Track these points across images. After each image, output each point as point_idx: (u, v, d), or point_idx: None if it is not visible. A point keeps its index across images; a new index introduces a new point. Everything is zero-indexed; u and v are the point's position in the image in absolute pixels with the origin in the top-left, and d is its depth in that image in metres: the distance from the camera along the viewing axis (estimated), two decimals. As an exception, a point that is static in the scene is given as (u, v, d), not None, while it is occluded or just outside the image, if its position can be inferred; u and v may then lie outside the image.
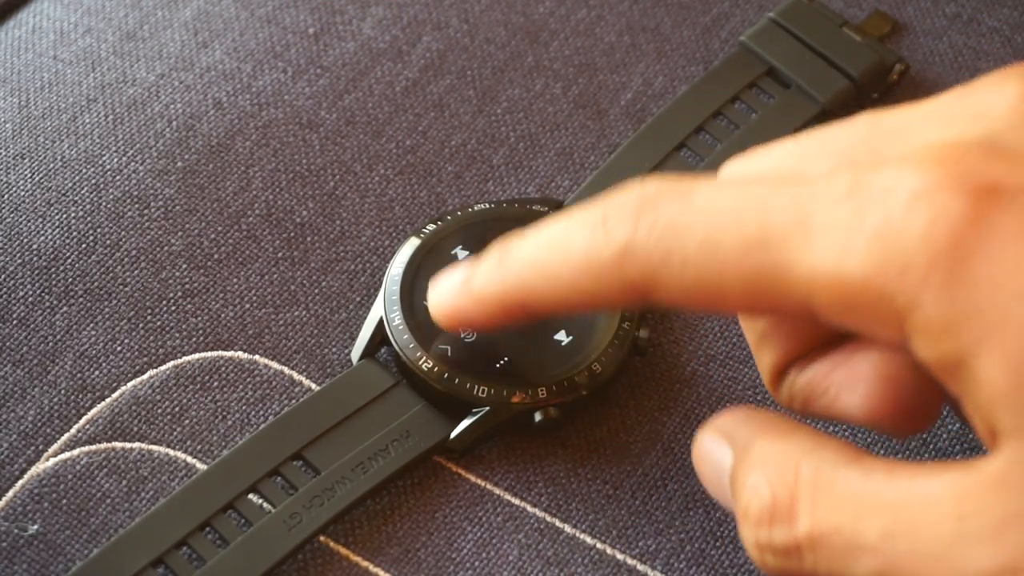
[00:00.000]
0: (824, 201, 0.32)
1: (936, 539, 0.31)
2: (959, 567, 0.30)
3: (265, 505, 0.40)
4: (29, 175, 0.46)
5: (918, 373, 0.35)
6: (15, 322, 0.43)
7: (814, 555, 0.33)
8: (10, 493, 0.41)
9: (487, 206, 0.44)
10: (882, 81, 0.48)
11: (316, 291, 0.44)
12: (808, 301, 0.32)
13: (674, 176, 0.34)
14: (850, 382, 0.36)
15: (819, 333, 0.36)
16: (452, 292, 0.37)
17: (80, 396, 0.42)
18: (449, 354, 0.41)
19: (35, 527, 0.40)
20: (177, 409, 0.42)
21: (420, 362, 0.41)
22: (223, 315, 0.44)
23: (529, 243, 0.36)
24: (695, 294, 0.33)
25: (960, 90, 0.34)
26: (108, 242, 0.45)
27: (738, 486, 0.34)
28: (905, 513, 0.31)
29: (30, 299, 0.44)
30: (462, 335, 0.42)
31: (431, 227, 0.44)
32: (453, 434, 0.41)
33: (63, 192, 0.46)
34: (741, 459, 0.35)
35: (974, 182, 0.31)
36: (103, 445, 0.41)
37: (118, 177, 0.46)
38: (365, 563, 0.40)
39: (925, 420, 0.36)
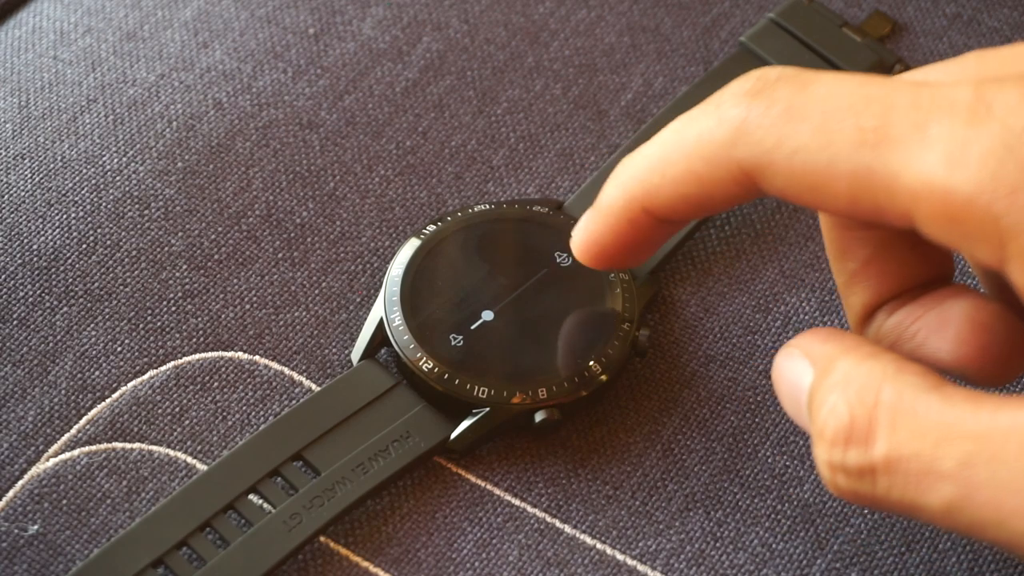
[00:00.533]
0: (944, 109, 0.31)
1: (1017, 470, 0.31)
2: None
3: (265, 505, 0.40)
4: (29, 175, 0.46)
5: (1009, 321, 0.34)
6: (15, 322, 0.43)
7: (889, 479, 0.32)
8: (10, 493, 0.41)
9: (487, 207, 0.44)
10: (882, 82, 0.48)
11: (316, 292, 0.44)
12: (911, 210, 0.32)
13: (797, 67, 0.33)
14: (940, 326, 0.35)
15: (911, 276, 0.36)
16: (583, 219, 0.37)
17: (80, 396, 0.42)
18: (449, 355, 0.41)
19: (35, 527, 0.40)
20: (177, 409, 0.42)
21: (420, 362, 0.41)
22: (223, 316, 0.44)
23: (651, 142, 0.35)
24: (802, 185, 0.33)
25: None
26: (108, 242, 0.45)
27: (816, 404, 0.34)
28: (987, 443, 0.31)
29: (30, 299, 0.44)
30: (451, 340, 0.42)
31: (431, 228, 0.44)
32: (453, 435, 0.41)
33: (63, 192, 0.46)
34: (821, 377, 0.34)
35: None
36: (103, 445, 0.41)
37: (118, 177, 0.46)
38: (365, 563, 0.40)
39: (1013, 370, 0.36)
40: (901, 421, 0.32)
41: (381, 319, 0.42)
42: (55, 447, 0.41)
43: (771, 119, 0.33)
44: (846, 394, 0.33)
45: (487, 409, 0.41)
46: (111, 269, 0.44)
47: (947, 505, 0.32)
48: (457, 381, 0.41)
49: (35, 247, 0.45)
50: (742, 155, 0.33)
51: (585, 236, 0.37)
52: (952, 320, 0.35)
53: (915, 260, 0.36)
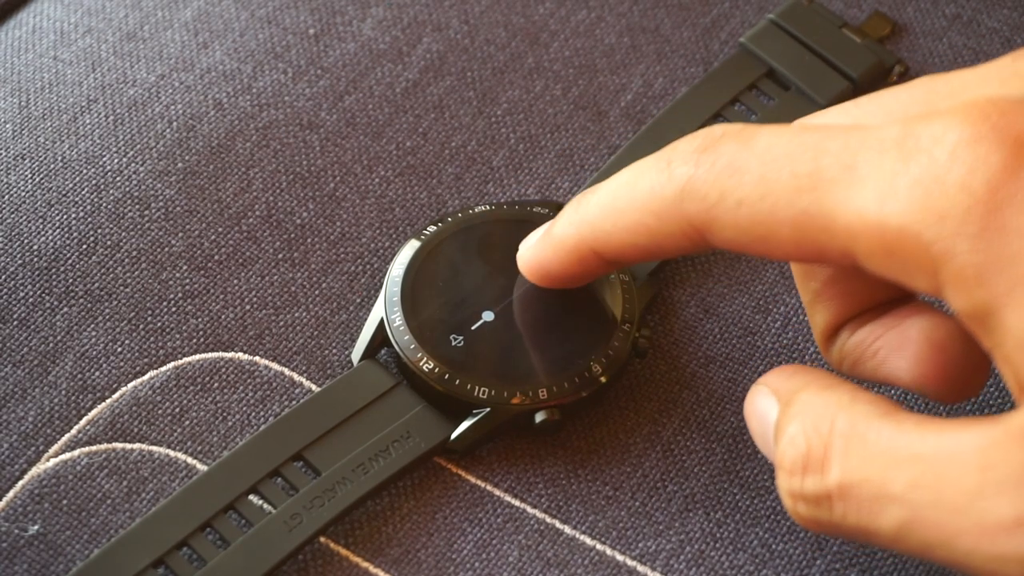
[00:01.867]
0: (873, 148, 0.33)
1: (960, 491, 0.31)
2: (980, 518, 0.31)
3: (266, 506, 0.40)
4: (29, 176, 0.46)
5: (966, 339, 0.35)
6: (16, 323, 0.43)
7: (843, 504, 0.33)
8: (10, 494, 0.41)
9: (487, 208, 0.44)
10: (882, 82, 0.48)
11: (316, 292, 0.44)
12: (851, 247, 0.33)
13: (741, 122, 0.35)
14: (899, 345, 0.36)
15: (872, 294, 0.37)
16: (535, 244, 0.39)
17: (80, 397, 0.42)
18: (449, 355, 0.41)
19: (35, 528, 0.40)
20: (178, 410, 0.42)
21: (421, 363, 0.41)
22: (223, 316, 0.44)
23: (602, 189, 0.37)
24: (748, 235, 0.34)
25: (1014, 54, 0.35)
26: (109, 243, 0.45)
27: (778, 436, 0.35)
28: (932, 465, 0.32)
29: (31, 300, 0.44)
30: (452, 340, 0.42)
31: (431, 229, 0.44)
32: (453, 435, 0.41)
33: (63, 193, 0.46)
34: (784, 410, 0.35)
35: (1015, 135, 0.31)
36: (103, 446, 0.41)
37: (118, 178, 0.46)
38: (365, 564, 0.40)
39: (971, 387, 0.36)
40: (853, 448, 0.33)
41: (382, 319, 0.42)
42: (55, 447, 0.41)
43: (715, 174, 0.34)
44: (803, 424, 0.34)
45: (487, 409, 0.41)
46: (111, 270, 0.44)
47: (897, 528, 0.32)
48: (457, 381, 0.41)
49: (35, 247, 0.45)
50: (690, 210, 0.35)
51: (534, 259, 0.40)
52: (911, 339, 0.36)
53: (875, 280, 0.36)
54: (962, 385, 0.36)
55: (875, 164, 0.32)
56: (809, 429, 0.34)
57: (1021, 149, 0.31)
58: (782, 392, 0.36)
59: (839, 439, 0.33)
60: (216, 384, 0.43)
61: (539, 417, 0.41)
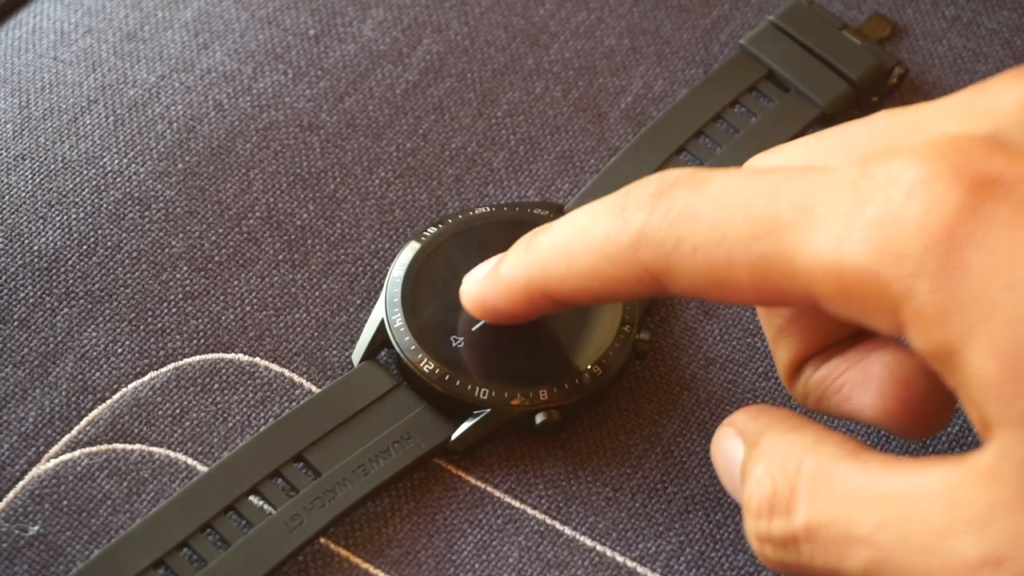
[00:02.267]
0: (830, 190, 0.32)
1: (926, 531, 0.31)
2: (947, 558, 0.31)
3: (266, 507, 0.40)
4: (30, 176, 0.46)
5: (930, 376, 0.35)
6: (16, 323, 0.43)
7: (811, 546, 0.33)
8: (11, 494, 0.41)
9: (487, 209, 0.44)
10: (882, 84, 0.48)
11: (317, 293, 0.44)
12: (810, 290, 0.32)
13: (694, 167, 0.35)
14: (863, 381, 0.36)
15: (835, 330, 0.37)
16: (482, 281, 0.39)
17: (81, 397, 0.42)
18: (449, 356, 0.41)
19: (36, 528, 0.40)
20: (178, 411, 0.42)
21: (421, 364, 0.41)
22: (224, 317, 0.44)
23: (554, 230, 0.37)
24: (705, 281, 0.34)
25: (975, 87, 0.35)
26: (109, 244, 0.45)
27: (744, 477, 0.35)
28: (898, 505, 0.32)
29: (31, 300, 0.44)
30: (453, 340, 0.42)
31: (431, 230, 0.44)
32: (454, 436, 0.41)
33: (64, 193, 0.46)
34: (750, 452, 0.35)
35: (972, 173, 0.31)
36: (104, 447, 0.42)
37: (119, 179, 0.46)
38: (365, 565, 0.40)
39: (935, 423, 0.36)
40: (819, 489, 0.33)
41: (382, 320, 0.42)
42: (56, 448, 0.41)
43: (669, 221, 0.34)
44: (769, 466, 0.34)
45: (488, 410, 0.41)
46: (112, 270, 0.44)
47: (864, 569, 0.32)
48: (458, 382, 0.41)
49: (36, 248, 0.45)
50: (645, 257, 0.34)
51: (480, 296, 0.39)
52: (874, 375, 0.36)
53: (836, 318, 0.36)
54: (928, 420, 0.36)
55: (831, 205, 0.32)
56: (775, 470, 0.34)
57: (978, 187, 0.31)
58: (748, 433, 0.36)
59: (805, 480, 0.33)
60: (216, 385, 0.43)
61: (539, 418, 0.41)
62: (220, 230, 0.45)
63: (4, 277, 0.44)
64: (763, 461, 0.34)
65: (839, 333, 0.37)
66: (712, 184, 0.34)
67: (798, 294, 0.33)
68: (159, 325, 0.43)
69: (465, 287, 0.40)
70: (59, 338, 0.43)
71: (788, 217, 0.32)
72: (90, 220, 0.45)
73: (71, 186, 0.46)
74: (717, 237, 0.33)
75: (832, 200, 0.32)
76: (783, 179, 0.33)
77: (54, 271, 0.44)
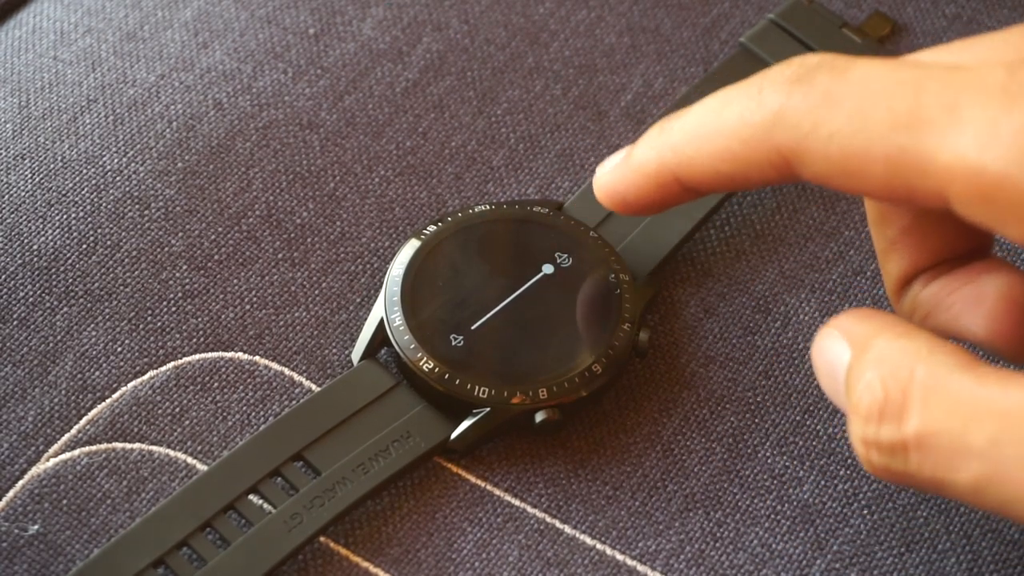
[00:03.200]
0: (976, 91, 0.32)
1: None
2: None
3: (266, 506, 0.40)
4: (29, 176, 0.46)
5: None
6: (16, 322, 0.43)
7: (920, 455, 0.33)
8: (10, 493, 0.41)
9: (487, 207, 0.44)
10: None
11: (316, 292, 0.44)
12: (945, 190, 0.32)
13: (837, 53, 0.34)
14: (974, 300, 0.36)
15: (950, 246, 0.36)
16: (614, 167, 0.38)
17: (80, 396, 0.42)
18: (449, 355, 0.41)
19: (35, 527, 0.40)
20: (177, 410, 0.42)
21: (421, 362, 0.41)
22: (223, 316, 0.44)
23: (689, 113, 0.36)
24: (838, 169, 0.33)
25: None
26: (108, 243, 0.45)
27: (852, 382, 0.34)
28: (1015, 420, 0.31)
29: (30, 299, 0.44)
30: (452, 339, 0.42)
31: (431, 228, 0.44)
32: (454, 435, 0.41)
33: (63, 193, 0.46)
34: (858, 356, 0.34)
35: None
36: (103, 446, 0.41)
37: (118, 178, 0.46)
38: (365, 564, 0.40)
39: None
40: (933, 399, 0.33)
41: (381, 319, 0.42)
42: (55, 447, 0.41)
43: (808, 105, 0.33)
44: (881, 371, 0.34)
45: (487, 409, 0.41)
46: (111, 269, 0.44)
47: (975, 483, 0.32)
48: (457, 381, 0.41)
49: (35, 247, 0.45)
50: (780, 139, 0.34)
51: (612, 184, 0.38)
52: (987, 296, 0.36)
53: (954, 232, 0.36)
54: None
55: (977, 107, 0.31)
56: (887, 376, 0.33)
57: None
58: (856, 336, 0.35)
59: (918, 388, 0.33)
60: (216, 384, 0.43)
61: (539, 417, 0.41)
62: (220, 229, 0.45)
63: (4, 276, 0.44)
64: (874, 365, 0.34)
65: (953, 249, 0.36)
66: (855, 71, 0.33)
67: (931, 194, 0.32)
68: (159, 324, 0.43)
69: (598, 177, 0.39)
70: (59, 337, 0.43)
71: (931, 113, 0.32)
72: (90, 219, 0.45)
73: (71, 185, 0.46)
74: (856, 125, 0.33)
75: (978, 101, 0.32)
76: (928, 75, 0.32)
77: (54, 270, 0.44)
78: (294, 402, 0.42)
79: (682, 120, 0.36)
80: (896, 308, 0.38)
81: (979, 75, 0.32)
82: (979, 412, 0.32)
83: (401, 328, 0.42)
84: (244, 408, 0.42)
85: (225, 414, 0.42)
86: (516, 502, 0.41)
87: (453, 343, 0.42)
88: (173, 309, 0.44)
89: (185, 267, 0.44)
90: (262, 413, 0.42)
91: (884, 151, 0.32)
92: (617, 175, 0.38)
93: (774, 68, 0.35)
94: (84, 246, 0.45)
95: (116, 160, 0.46)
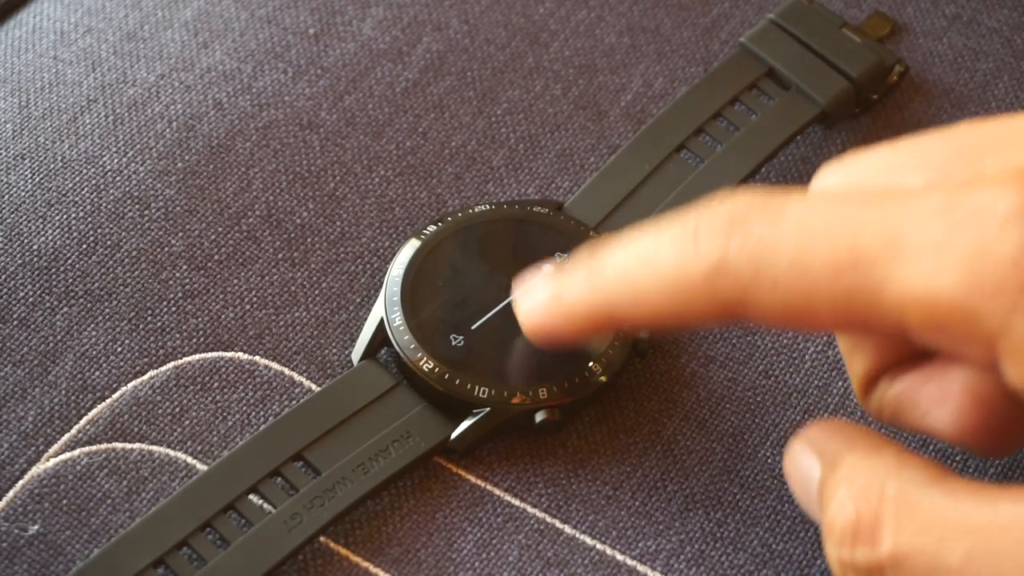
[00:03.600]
0: (917, 219, 0.32)
1: (1017, 563, 0.31)
2: None
3: (266, 506, 0.40)
4: (29, 176, 0.46)
5: (1009, 395, 0.34)
6: (15, 322, 0.43)
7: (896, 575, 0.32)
8: (10, 493, 0.41)
9: (487, 207, 0.44)
10: (882, 82, 0.48)
11: (316, 292, 0.44)
12: (900, 321, 0.32)
13: (764, 191, 0.34)
14: (940, 397, 0.36)
15: (911, 345, 0.36)
16: (542, 307, 0.37)
17: (80, 396, 0.42)
18: (449, 355, 0.41)
19: (35, 527, 0.40)
20: (177, 410, 0.42)
21: (421, 363, 0.41)
22: (223, 316, 0.44)
23: (618, 256, 0.36)
24: (786, 314, 0.33)
25: None
26: (108, 243, 0.45)
27: (825, 500, 0.34)
28: (988, 536, 0.31)
29: (30, 299, 0.44)
30: (452, 339, 0.42)
31: (431, 228, 0.44)
32: (454, 435, 0.41)
33: (63, 193, 0.46)
34: (829, 473, 0.34)
35: None
36: (103, 446, 0.41)
37: (118, 178, 0.46)
38: (365, 563, 0.40)
39: (1015, 443, 0.36)
40: (905, 517, 0.33)
41: (381, 319, 0.42)
42: (55, 447, 0.41)
43: (746, 254, 0.33)
44: (851, 490, 0.34)
45: (487, 409, 0.41)
46: (111, 269, 0.44)
47: None
48: (457, 381, 0.41)
49: (35, 247, 0.45)
50: (722, 290, 0.33)
51: (541, 324, 0.37)
52: (953, 392, 0.35)
53: None
54: (1006, 440, 0.35)
55: (920, 235, 0.31)
56: (858, 496, 0.33)
57: None
58: (826, 452, 0.35)
59: (890, 507, 0.33)
60: (216, 384, 0.43)
61: (539, 417, 0.41)
62: (220, 229, 0.45)
63: (4, 276, 0.44)
64: (844, 485, 0.34)
65: (916, 348, 0.36)
66: (788, 214, 0.33)
67: (886, 325, 0.32)
68: (159, 324, 0.43)
69: (524, 312, 0.38)
70: (59, 337, 0.43)
71: (874, 250, 0.32)
72: (90, 219, 0.45)
73: (71, 185, 0.46)
74: (798, 271, 0.32)
75: (920, 230, 0.31)
76: (865, 207, 0.32)
77: (53, 270, 0.44)
78: (294, 402, 0.42)
79: (613, 262, 0.36)
80: (864, 405, 0.38)
81: (917, 202, 0.32)
82: (952, 530, 0.32)
83: (401, 328, 0.42)
84: (244, 408, 0.42)
85: (225, 414, 0.42)
86: (516, 502, 0.41)
87: (453, 343, 0.42)
88: (173, 309, 0.44)
89: (185, 267, 0.44)
90: (262, 413, 0.42)
91: (831, 293, 0.32)
92: (547, 316, 0.37)
93: (705, 212, 0.34)
94: (84, 246, 0.45)
95: (116, 160, 0.46)
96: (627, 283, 0.35)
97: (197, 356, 0.43)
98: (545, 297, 0.37)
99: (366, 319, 0.43)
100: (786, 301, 0.33)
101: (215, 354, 0.43)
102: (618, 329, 0.37)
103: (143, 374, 0.43)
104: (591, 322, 0.36)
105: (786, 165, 0.47)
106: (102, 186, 0.46)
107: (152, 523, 0.39)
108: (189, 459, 0.41)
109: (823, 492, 0.35)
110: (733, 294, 0.33)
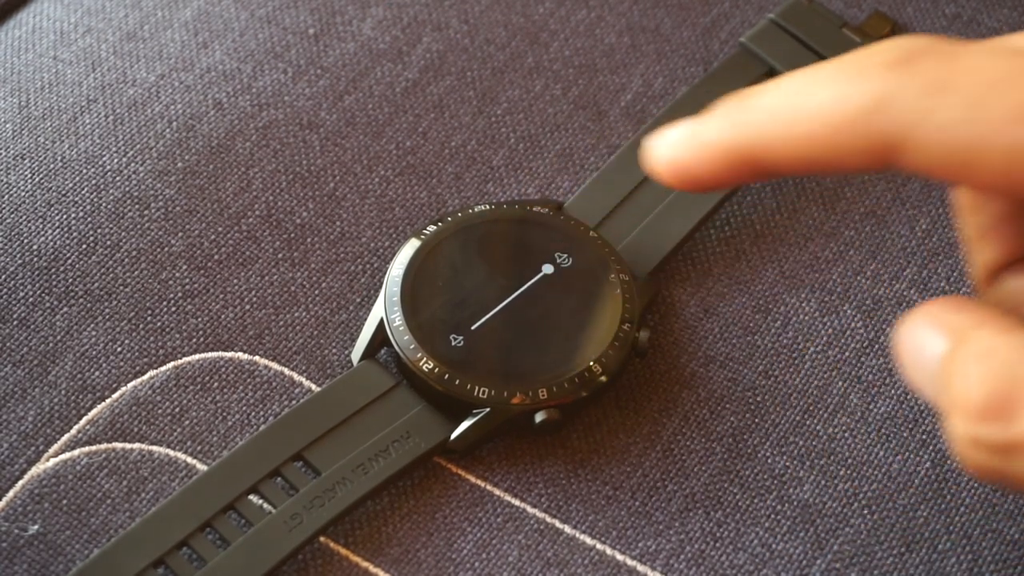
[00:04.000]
0: None
1: None
2: None
3: (266, 506, 0.40)
4: (29, 176, 0.46)
5: None
6: (15, 322, 0.43)
7: None
8: (10, 493, 0.41)
9: (487, 207, 0.44)
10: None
11: (316, 292, 0.44)
12: None
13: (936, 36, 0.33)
14: None
15: None
16: (677, 140, 0.35)
17: (80, 396, 0.42)
18: (449, 355, 0.41)
19: (35, 527, 0.40)
20: (177, 410, 0.42)
21: (420, 363, 0.41)
22: (223, 316, 0.44)
23: (772, 91, 0.34)
24: (949, 160, 0.32)
25: None
26: (108, 243, 0.45)
27: (952, 375, 0.33)
28: None
29: (30, 299, 0.44)
30: (452, 340, 0.42)
31: (431, 228, 0.44)
32: (453, 435, 0.41)
33: (63, 193, 0.46)
34: (958, 348, 0.33)
35: None
36: (103, 446, 0.41)
37: (118, 178, 0.46)
38: (365, 563, 0.40)
39: None
40: None
41: (381, 319, 0.42)
42: (55, 447, 0.41)
43: (916, 92, 0.31)
44: (987, 365, 0.32)
45: (487, 409, 0.41)
46: (111, 269, 0.44)
47: None
48: (457, 381, 0.41)
49: (35, 247, 0.45)
50: (883, 127, 0.32)
51: (675, 158, 0.35)
52: None
53: None
54: None
55: None
56: (992, 373, 0.32)
57: None
58: (953, 326, 0.33)
59: None
60: (216, 384, 0.43)
61: (539, 417, 0.41)
62: (219, 229, 0.45)
63: (4, 276, 0.44)
64: (979, 360, 0.32)
65: None
66: (968, 57, 0.31)
67: None
68: (158, 324, 0.43)
69: (657, 148, 0.35)
70: (58, 337, 0.43)
71: None
72: (89, 219, 0.45)
73: (70, 185, 0.46)
74: (970, 116, 0.31)
75: None
76: None
77: (53, 270, 0.44)
78: (294, 402, 0.42)
79: (765, 99, 0.34)
80: (983, 297, 0.36)
81: None
82: None
83: (401, 328, 0.42)
84: (244, 408, 0.42)
85: (225, 414, 0.42)
86: (516, 502, 0.41)
87: (453, 343, 0.42)
88: (173, 309, 0.44)
89: (185, 267, 0.44)
90: (262, 413, 0.42)
91: (1003, 144, 0.31)
92: (682, 149, 0.34)
93: (868, 49, 0.32)
94: (84, 246, 0.45)
95: (116, 160, 0.46)
96: (773, 118, 0.33)
97: (197, 356, 0.43)
98: (683, 132, 0.35)
99: (366, 319, 0.43)
100: (954, 145, 0.31)
101: (215, 354, 0.43)
102: (757, 172, 0.34)
103: (143, 374, 0.43)
104: (729, 160, 0.34)
105: (786, 165, 0.47)
106: (102, 186, 0.46)
107: (152, 523, 0.39)
108: (189, 459, 0.41)
109: (949, 367, 0.33)
110: (893, 134, 0.32)
